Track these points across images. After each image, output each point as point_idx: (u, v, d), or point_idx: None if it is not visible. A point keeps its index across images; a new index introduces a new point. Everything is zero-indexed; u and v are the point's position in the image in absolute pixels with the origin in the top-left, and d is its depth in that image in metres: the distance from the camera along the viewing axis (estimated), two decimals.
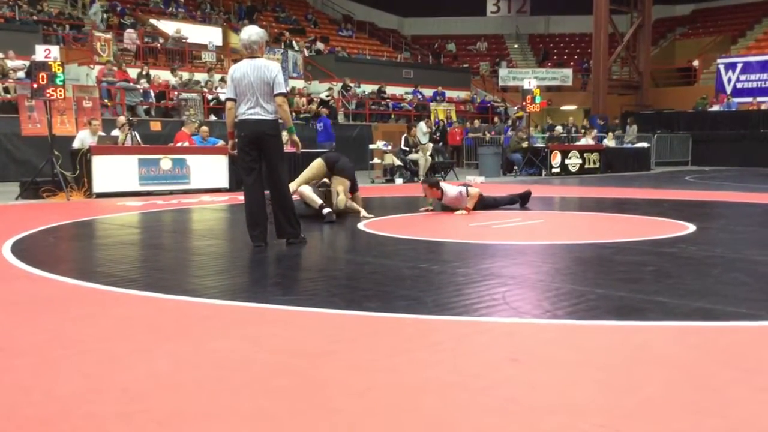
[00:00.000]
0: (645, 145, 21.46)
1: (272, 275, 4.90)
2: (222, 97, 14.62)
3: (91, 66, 18.38)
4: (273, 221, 5.85)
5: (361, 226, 7.17)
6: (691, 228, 6.85)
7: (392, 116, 23.37)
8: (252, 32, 5.70)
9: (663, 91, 29.70)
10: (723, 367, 2.71)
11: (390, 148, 15.79)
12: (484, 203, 8.66)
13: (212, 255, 5.64)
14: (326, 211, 7.49)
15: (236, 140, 5.79)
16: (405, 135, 16.13)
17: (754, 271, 4.69)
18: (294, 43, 24.88)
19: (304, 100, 21.05)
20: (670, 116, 25.63)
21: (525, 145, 18.07)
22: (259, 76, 5.54)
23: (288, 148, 6.97)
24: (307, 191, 7.75)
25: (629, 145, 21.50)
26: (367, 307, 3.67)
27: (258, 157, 5.70)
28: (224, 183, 12.30)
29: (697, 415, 2.23)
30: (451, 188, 8.61)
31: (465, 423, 2.15)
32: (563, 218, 8.47)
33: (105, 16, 22.09)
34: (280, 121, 5.74)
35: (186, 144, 12.52)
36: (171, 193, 11.61)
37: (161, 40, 22.18)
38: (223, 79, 18.77)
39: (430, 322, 3.40)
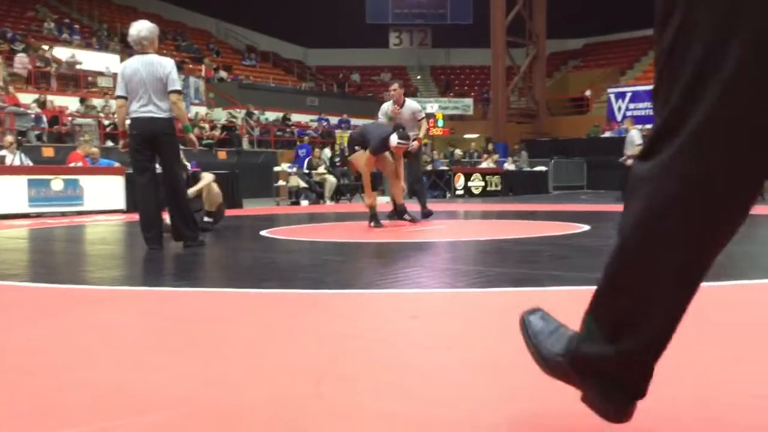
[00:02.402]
0: (543, 168, 22.23)
1: (167, 268, 4.71)
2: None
3: None
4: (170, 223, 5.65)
5: (263, 232, 7.04)
6: (585, 227, 7.08)
7: (298, 143, 23.28)
8: (141, 27, 5.46)
9: (558, 119, 30.96)
10: None
11: (295, 170, 15.69)
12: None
13: (104, 256, 5.39)
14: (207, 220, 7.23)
15: (128, 139, 5.57)
16: (309, 157, 16.08)
17: None
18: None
19: (207, 126, 20.71)
20: (565, 143, 26.68)
21: (429, 168, 18.37)
22: (152, 72, 5.33)
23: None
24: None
25: (527, 169, 22.22)
26: (265, 286, 3.57)
27: (152, 156, 5.48)
28: (121, 204, 11.84)
29: None
30: (413, 104, 8.63)
31: (359, 360, 2.09)
32: (465, 224, 8.60)
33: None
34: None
35: (80, 164, 12.02)
36: (63, 214, 11.08)
37: (54, 66, 21.40)
38: None
39: (330, 294, 3.34)
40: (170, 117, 5.45)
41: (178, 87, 5.49)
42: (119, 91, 5.50)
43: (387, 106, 8.40)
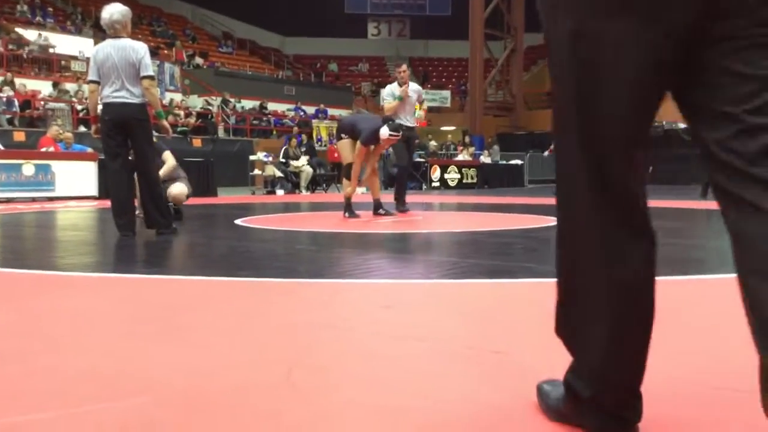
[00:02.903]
0: (519, 162, 22.35)
1: (140, 255, 4.67)
2: None
3: None
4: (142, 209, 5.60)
5: (238, 221, 7.01)
6: None
7: (274, 132, 23.16)
8: (114, 11, 5.36)
9: (535, 113, 31.09)
10: None
11: (271, 159, 15.62)
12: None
13: (75, 242, 5.33)
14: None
15: (99, 124, 5.50)
16: (285, 146, 16.01)
17: None
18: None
19: (182, 113, 20.51)
20: (541, 137, 26.82)
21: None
22: (124, 57, 5.27)
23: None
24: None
25: (503, 162, 22.33)
26: (239, 274, 3.56)
27: (124, 141, 5.40)
28: (93, 191, 11.70)
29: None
30: (416, 85, 8.53)
31: (331, 349, 2.10)
32: (440, 216, 8.63)
33: None
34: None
35: (51, 149, 11.85)
36: (34, 200, 10.93)
37: (27, 49, 21.05)
38: None
39: (303, 283, 3.34)
40: (143, 102, 5.39)
41: (151, 72, 5.45)
42: (91, 76, 5.44)
43: (393, 88, 8.21)
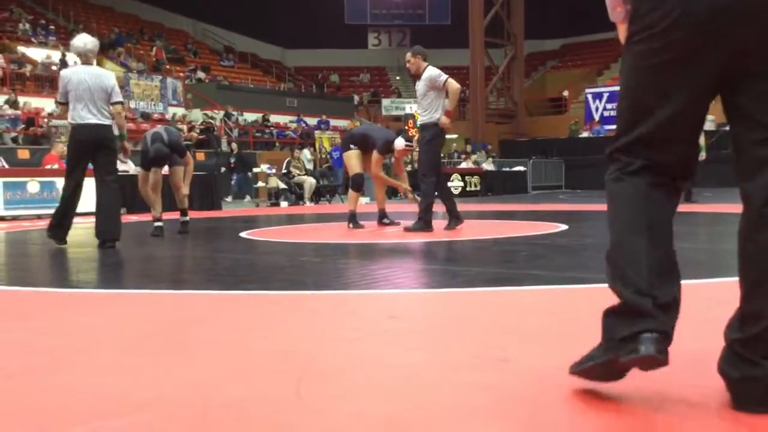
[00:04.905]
0: (522, 168, 22.35)
1: (145, 270, 4.68)
2: None
3: None
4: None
5: (243, 234, 7.02)
6: (563, 227, 7.14)
7: (277, 144, 23.20)
8: (87, 40, 5.85)
9: (537, 119, 31.14)
10: (588, 315, 2.79)
11: (274, 171, 15.66)
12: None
13: (80, 259, 5.35)
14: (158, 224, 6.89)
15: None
16: (288, 159, 16.05)
17: None
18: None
19: (185, 127, 20.56)
20: (544, 143, 26.84)
21: (408, 168, 18.41)
22: (98, 83, 5.72)
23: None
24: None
25: (506, 169, 22.33)
26: (245, 287, 3.57)
27: (89, 157, 5.87)
28: None
29: (563, 341, 2.28)
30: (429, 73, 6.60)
31: (337, 360, 2.10)
32: (443, 224, 8.62)
33: None
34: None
35: (56, 166, 11.89)
36: (39, 217, 10.96)
37: (29, 67, 21.16)
38: None
39: (309, 295, 3.35)
40: (111, 124, 5.88)
41: (121, 99, 6.02)
42: (63, 99, 5.79)
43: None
